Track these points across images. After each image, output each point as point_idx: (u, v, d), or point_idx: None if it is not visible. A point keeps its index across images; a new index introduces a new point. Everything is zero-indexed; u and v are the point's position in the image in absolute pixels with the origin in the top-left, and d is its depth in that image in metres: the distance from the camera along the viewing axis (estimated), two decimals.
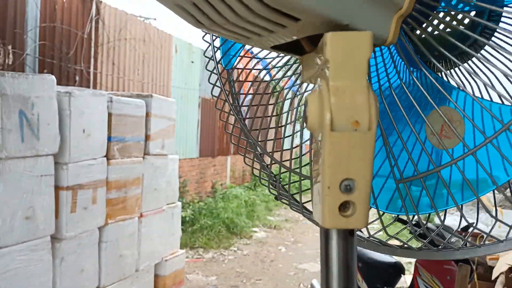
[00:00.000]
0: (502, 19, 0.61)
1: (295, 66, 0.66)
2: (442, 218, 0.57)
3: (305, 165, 0.64)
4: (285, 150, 0.69)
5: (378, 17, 0.38)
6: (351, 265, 0.39)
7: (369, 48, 0.34)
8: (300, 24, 0.36)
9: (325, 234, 0.40)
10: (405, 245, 0.60)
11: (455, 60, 0.52)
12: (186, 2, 0.37)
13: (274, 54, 0.68)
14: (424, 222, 0.56)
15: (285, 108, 0.74)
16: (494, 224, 0.55)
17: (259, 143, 0.70)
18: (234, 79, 0.76)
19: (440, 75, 0.65)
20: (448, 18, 0.63)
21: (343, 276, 0.39)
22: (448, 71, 0.66)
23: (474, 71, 0.63)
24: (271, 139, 0.71)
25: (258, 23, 0.36)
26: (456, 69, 0.66)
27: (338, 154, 0.35)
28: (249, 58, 0.77)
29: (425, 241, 0.57)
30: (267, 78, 0.76)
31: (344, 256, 0.39)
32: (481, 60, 0.60)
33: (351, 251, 0.39)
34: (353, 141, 0.34)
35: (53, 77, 2.14)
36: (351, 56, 0.35)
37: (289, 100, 0.71)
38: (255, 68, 0.77)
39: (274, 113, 0.71)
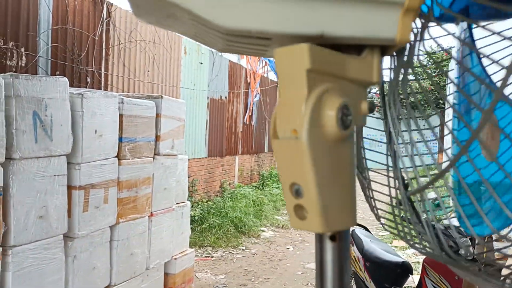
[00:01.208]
0: None
1: None
2: None
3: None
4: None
5: (377, 20, 0.38)
6: (326, 269, 0.41)
7: (307, 59, 0.34)
8: (275, 40, 0.37)
9: (316, 237, 0.42)
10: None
11: None
12: (193, 36, 0.40)
13: None
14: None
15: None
16: None
17: None
18: None
19: None
20: None
21: (319, 279, 0.42)
22: None
23: None
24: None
25: (247, 41, 0.38)
26: None
27: (283, 160, 0.36)
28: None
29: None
30: None
31: (321, 260, 0.41)
32: None
33: (327, 255, 0.41)
34: (293, 148, 0.35)
35: (65, 79, 2.19)
36: (292, 68, 0.36)
37: None
38: None
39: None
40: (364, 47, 0.39)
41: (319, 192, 0.35)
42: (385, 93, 0.51)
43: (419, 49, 0.44)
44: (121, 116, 2.55)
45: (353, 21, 0.36)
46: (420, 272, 2.61)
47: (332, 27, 0.36)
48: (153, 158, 2.85)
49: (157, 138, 2.89)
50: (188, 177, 3.72)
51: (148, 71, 5.21)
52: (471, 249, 1.82)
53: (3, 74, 1.95)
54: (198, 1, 0.35)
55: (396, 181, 0.46)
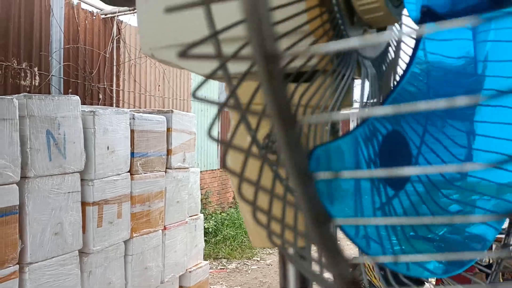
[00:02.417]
0: None
1: None
2: None
3: None
4: None
5: None
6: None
7: None
8: None
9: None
10: None
11: None
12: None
13: None
14: None
15: None
16: None
17: None
18: None
19: None
20: None
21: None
22: None
23: None
24: None
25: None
26: None
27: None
28: None
29: None
30: None
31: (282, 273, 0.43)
32: None
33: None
34: None
35: (77, 97, 2.24)
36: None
37: None
38: None
39: None
40: None
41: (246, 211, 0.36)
42: None
43: None
44: (132, 131, 2.59)
45: None
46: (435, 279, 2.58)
47: None
48: (165, 172, 2.88)
49: (168, 152, 2.92)
50: (201, 189, 3.75)
51: (159, 85, 5.27)
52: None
53: (17, 95, 2.00)
54: (173, 56, 0.37)
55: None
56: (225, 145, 0.26)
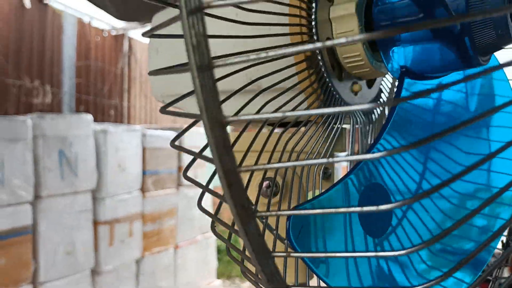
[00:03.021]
0: None
1: None
2: None
3: None
4: None
5: None
6: None
7: None
8: None
9: None
10: None
11: None
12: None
13: None
14: None
15: None
16: None
17: None
18: None
19: None
20: None
21: None
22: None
23: None
24: None
25: None
26: None
27: None
28: None
29: None
30: None
31: None
32: None
33: None
34: None
35: (89, 116, 2.25)
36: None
37: None
38: None
39: None
40: None
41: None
42: None
43: None
44: (143, 149, 2.59)
45: None
46: None
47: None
48: (177, 189, 2.87)
49: (179, 168, 2.91)
50: (213, 205, 3.74)
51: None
52: None
53: (30, 115, 2.01)
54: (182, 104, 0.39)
55: None
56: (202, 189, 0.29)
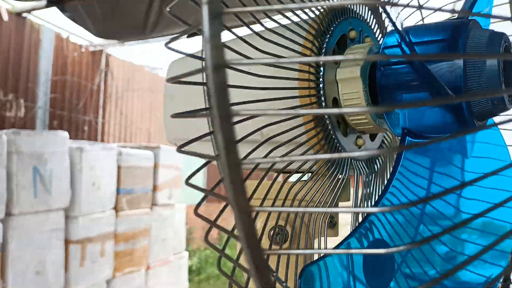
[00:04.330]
0: None
1: None
2: None
3: None
4: None
5: None
6: None
7: None
8: None
9: None
10: None
11: None
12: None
13: None
14: None
15: None
16: None
17: None
18: None
19: None
20: None
21: None
22: None
23: None
24: None
25: None
26: None
27: None
28: None
29: None
30: None
31: None
32: None
33: None
34: None
35: (65, 133, 2.23)
36: None
37: None
38: None
39: None
40: None
41: None
42: None
43: None
44: (119, 167, 2.57)
45: None
46: None
47: None
48: (151, 208, 2.85)
49: (154, 188, 2.90)
50: (186, 223, 3.71)
51: (145, 118, 5.28)
52: None
53: (5, 130, 1.98)
54: (194, 148, 0.43)
55: None
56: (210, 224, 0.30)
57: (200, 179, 6.46)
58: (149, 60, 5.32)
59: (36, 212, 2.03)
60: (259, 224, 0.40)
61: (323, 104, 0.40)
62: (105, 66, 4.56)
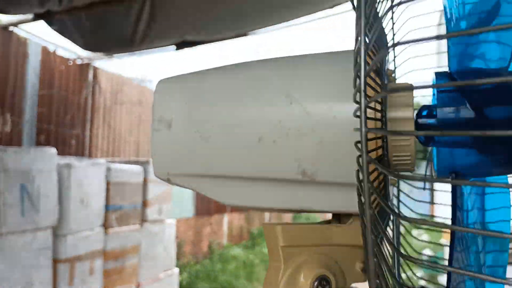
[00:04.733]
0: None
1: None
2: None
3: None
4: None
5: (349, 198, 0.40)
6: None
7: (280, 238, 0.41)
8: None
9: None
10: None
11: None
12: None
13: None
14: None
15: None
16: None
17: None
18: None
19: None
20: None
21: None
22: None
23: None
24: None
25: None
26: None
27: None
28: None
29: None
30: None
31: None
32: None
33: None
34: None
35: (53, 149, 2.19)
36: (272, 243, 0.42)
37: None
38: None
39: None
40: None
41: None
42: None
43: None
44: (107, 183, 2.53)
45: (327, 199, 0.41)
46: None
47: (308, 204, 0.42)
48: (140, 225, 2.80)
49: (144, 203, 2.86)
50: (176, 237, 3.65)
51: (134, 131, 5.23)
52: None
53: None
54: (204, 185, 0.43)
55: None
56: None
57: (189, 193, 6.41)
58: (138, 72, 5.29)
59: (24, 231, 1.98)
60: (302, 277, 0.40)
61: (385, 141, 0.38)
62: (92, 79, 4.51)
